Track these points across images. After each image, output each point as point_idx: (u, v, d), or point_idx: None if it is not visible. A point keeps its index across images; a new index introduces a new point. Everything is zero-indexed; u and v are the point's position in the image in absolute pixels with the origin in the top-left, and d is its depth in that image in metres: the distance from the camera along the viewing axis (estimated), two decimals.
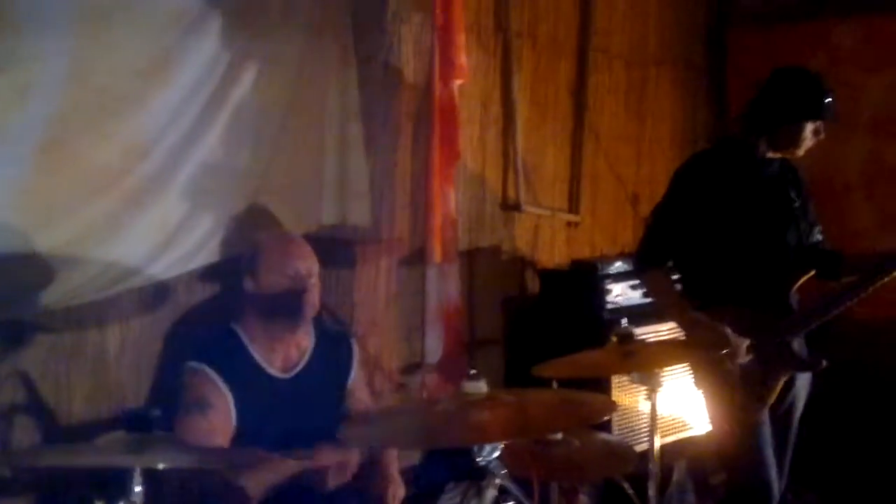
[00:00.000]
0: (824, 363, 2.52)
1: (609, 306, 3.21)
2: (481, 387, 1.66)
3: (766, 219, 2.59)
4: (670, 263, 2.64)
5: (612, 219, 4.01)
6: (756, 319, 2.52)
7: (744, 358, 2.44)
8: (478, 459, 1.65)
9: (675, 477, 3.27)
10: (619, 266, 3.32)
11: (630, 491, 2.97)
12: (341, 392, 2.40)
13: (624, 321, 2.14)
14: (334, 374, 2.39)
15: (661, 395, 3.17)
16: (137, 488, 1.49)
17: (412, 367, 3.15)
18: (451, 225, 3.12)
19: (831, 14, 3.96)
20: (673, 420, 3.30)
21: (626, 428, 3.18)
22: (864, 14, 3.88)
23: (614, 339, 2.10)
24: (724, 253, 2.58)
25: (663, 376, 3.07)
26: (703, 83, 4.44)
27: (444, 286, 3.11)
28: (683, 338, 2.61)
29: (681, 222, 2.59)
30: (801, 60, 4.00)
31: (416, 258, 3.11)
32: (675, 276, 2.67)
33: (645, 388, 2.04)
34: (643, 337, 3.08)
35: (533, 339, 3.36)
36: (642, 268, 2.70)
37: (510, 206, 3.54)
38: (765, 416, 2.55)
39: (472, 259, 3.38)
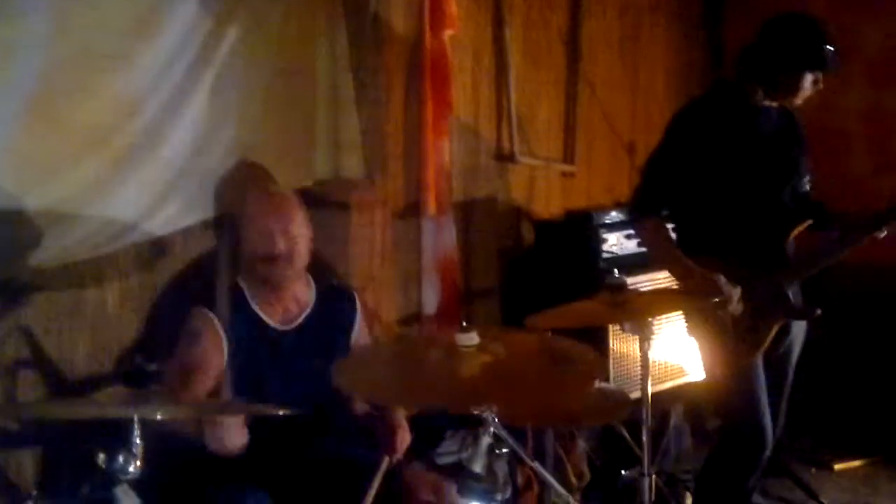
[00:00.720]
0: (818, 311, 2.53)
1: (604, 256, 3.22)
2: (473, 338, 1.67)
3: (763, 168, 2.57)
4: (665, 212, 2.62)
5: (607, 169, 4.00)
6: (751, 268, 2.53)
7: (737, 306, 2.45)
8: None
9: (673, 422, 3.32)
10: (613, 216, 3.33)
11: (627, 436, 3.04)
12: (345, 345, 2.43)
13: (615, 271, 2.15)
14: (338, 328, 2.42)
15: (654, 343, 3.23)
16: (137, 440, 1.53)
17: (410, 319, 3.18)
18: (446, 177, 3.13)
19: None
20: (670, 367, 3.34)
21: (624, 375, 3.21)
22: None
23: (606, 288, 2.11)
24: (719, 202, 2.56)
25: (655, 325, 3.13)
26: (698, 30, 4.39)
27: (439, 238, 3.13)
28: (677, 286, 2.62)
29: (676, 171, 2.56)
30: (800, 5, 3.96)
31: (411, 211, 3.12)
32: (669, 225, 2.66)
33: (637, 336, 2.06)
34: (638, 286, 3.13)
35: (528, 290, 3.39)
36: (637, 216, 2.68)
37: (505, 157, 3.54)
38: (758, 362, 2.56)
39: (467, 210, 3.39)
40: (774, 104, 2.60)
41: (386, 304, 3.12)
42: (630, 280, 3.10)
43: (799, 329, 2.68)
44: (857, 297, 3.74)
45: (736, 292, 2.44)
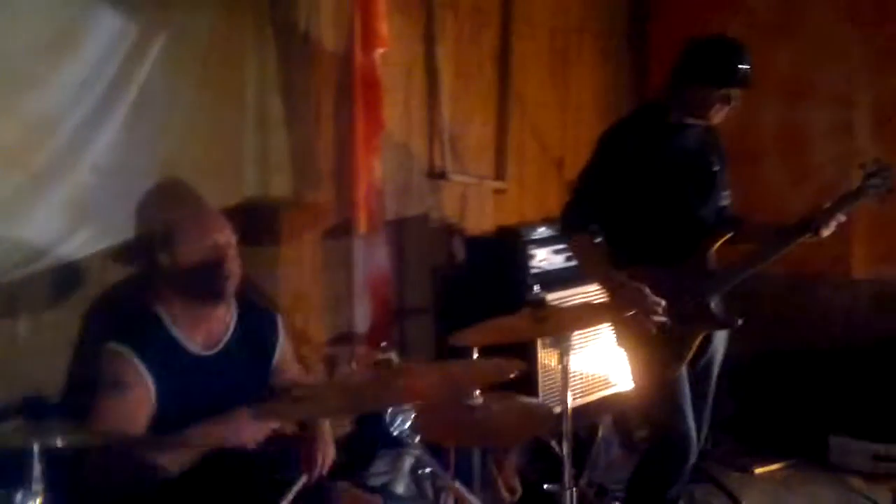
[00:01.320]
0: (739, 321, 2.63)
1: (533, 271, 3.26)
2: (394, 360, 1.67)
3: (682, 184, 2.65)
4: (594, 227, 2.68)
5: (538, 185, 4.06)
6: (676, 280, 2.60)
7: (663, 317, 2.52)
8: (391, 430, 1.67)
9: (601, 433, 3.37)
10: (542, 231, 3.37)
11: (557, 448, 3.08)
12: (267, 368, 2.40)
13: (536, 287, 2.18)
14: (260, 350, 2.39)
15: (582, 355, 3.29)
16: (37, 472, 1.48)
17: (341, 339, 3.16)
18: (377, 195, 3.13)
19: None
20: (598, 378, 3.39)
21: (554, 388, 3.25)
22: None
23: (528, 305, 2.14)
24: (644, 217, 2.65)
25: (577, 339, 3.19)
26: (625, 50, 4.50)
27: (371, 256, 3.13)
28: (606, 299, 2.67)
29: (604, 187, 2.63)
30: (720, 26, 4.09)
31: (342, 229, 3.11)
32: (598, 240, 2.72)
33: (557, 350, 2.09)
34: (566, 300, 3.18)
35: (461, 307, 3.40)
36: (567, 232, 2.74)
37: (437, 175, 3.56)
38: (683, 372, 2.64)
39: (399, 228, 3.40)
40: (697, 122, 2.67)
41: (315, 324, 3.09)
42: (559, 294, 3.18)
43: (721, 338, 2.76)
44: (774, 306, 3.89)
45: (662, 304, 2.50)
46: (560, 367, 2.04)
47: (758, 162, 4.08)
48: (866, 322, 3.84)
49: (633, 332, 2.59)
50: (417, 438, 1.61)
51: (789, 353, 3.89)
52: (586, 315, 2.37)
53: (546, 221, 3.52)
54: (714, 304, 2.65)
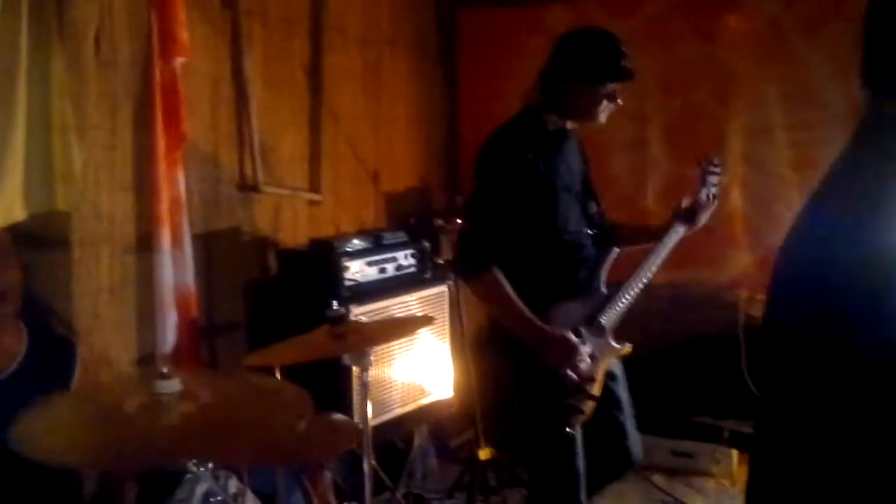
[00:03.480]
0: (628, 346, 2.49)
1: (347, 283, 3.25)
2: (174, 385, 1.59)
3: (572, 198, 2.43)
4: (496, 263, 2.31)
5: (354, 197, 4.06)
6: (583, 313, 2.41)
7: (586, 375, 2.30)
8: None
9: (417, 442, 3.41)
10: (356, 243, 3.37)
11: (373, 462, 3.08)
12: None
13: (335, 303, 2.16)
14: (54, 378, 2.24)
15: (392, 366, 3.30)
16: None
17: (146, 359, 3.01)
18: (181, 208, 3.02)
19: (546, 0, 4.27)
20: (413, 387, 3.42)
21: (374, 398, 3.24)
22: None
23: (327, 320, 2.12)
24: (540, 241, 2.38)
25: (393, 349, 3.20)
26: (435, 63, 4.60)
27: (175, 272, 3.00)
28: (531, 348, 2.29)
29: (507, 211, 2.31)
30: (522, 42, 4.28)
31: (144, 244, 2.97)
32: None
33: (356, 367, 2.08)
34: (382, 313, 3.19)
35: (274, 322, 3.34)
36: (470, 273, 2.33)
37: (248, 187, 3.48)
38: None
39: (208, 243, 3.29)
40: (568, 126, 2.45)
41: (117, 345, 2.93)
42: (372, 307, 3.18)
43: (617, 369, 2.60)
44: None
45: (587, 361, 2.29)
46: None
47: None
48: (663, 327, 4.10)
49: (545, 378, 2.29)
50: (210, 463, 1.55)
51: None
52: (387, 330, 2.37)
53: (361, 233, 3.53)
54: (609, 327, 2.46)
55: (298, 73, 3.74)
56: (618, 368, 2.63)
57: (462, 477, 3.44)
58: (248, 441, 1.58)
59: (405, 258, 3.52)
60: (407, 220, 4.05)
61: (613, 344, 2.48)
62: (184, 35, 2.96)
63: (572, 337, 2.29)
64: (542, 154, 2.36)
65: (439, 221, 3.98)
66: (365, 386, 2.03)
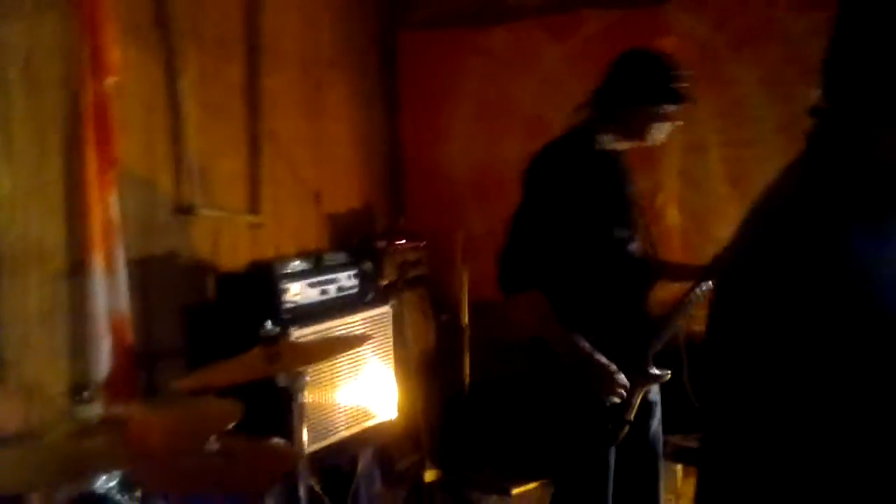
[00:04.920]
0: (668, 374, 2.45)
1: (287, 305, 3.20)
2: (95, 409, 1.54)
3: (621, 219, 2.38)
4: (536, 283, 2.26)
5: (296, 218, 4.02)
6: (622, 335, 2.38)
7: (626, 386, 2.28)
8: (93, 489, 1.54)
9: (362, 465, 3.35)
10: (297, 265, 3.33)
11: (316, 487, 3.02)
12: None
13: (268, 323, 2.12)
14: None
15: (337, 389, 3.26)
16: None
17: (80, 388, 2.91)
18: (114, 233, 2.94)
19: (486, 21, 4.30)
20: (358, 410, 3.38)
21: (318, 422, 3.20)
22: (512, 21, 4.25)
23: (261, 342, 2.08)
24: (587, 261, 2.34)
25: (338, 370, 3.15)
26: (376, 84, 4.60)
27: (110, 298, 2.92)
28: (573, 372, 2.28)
29: (552, 230, 2.27)
30: (463, 63, 4.31)
31: (76, 270, 2.89)
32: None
33: (294, 388, 2.04)
34: (324, 334, 3.15)
35: (213, 347, 3.26)
36: (510, 291, 2.25)
37: (184, 210, 3.41)
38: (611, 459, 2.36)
39: (144, 267, 3.21)
40: (620, 146, 2.42)
41: (50, 374, 2.83)
42: (313, 329, 3.14)
43: (655, 397, 2.54)
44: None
45: (626, 386, 2.26)
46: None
47: (502, 196, 4.29)
48: None
49: (584, 404, 2.28)
50: (137, 493, 1.49)
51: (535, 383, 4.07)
52: (322, 349, 2.34)
53: (301, 255, 3.49)
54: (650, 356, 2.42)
55: (235, 94, 3.70)
56: (657, 396, 2.58)
57: (408, 500, 3.41)
58: (178, 467, 1.53)
59: (347, 279, 3.48)
60: (349, 241, 4.02)
61: (654, 371, 2.46)
62: (115, 54, 2.92)
63: (611, 367, 2.27)
64: (591, 174, 2.33)
65: (382, 242, 3.96)
66: (301, 408, 1.98)
